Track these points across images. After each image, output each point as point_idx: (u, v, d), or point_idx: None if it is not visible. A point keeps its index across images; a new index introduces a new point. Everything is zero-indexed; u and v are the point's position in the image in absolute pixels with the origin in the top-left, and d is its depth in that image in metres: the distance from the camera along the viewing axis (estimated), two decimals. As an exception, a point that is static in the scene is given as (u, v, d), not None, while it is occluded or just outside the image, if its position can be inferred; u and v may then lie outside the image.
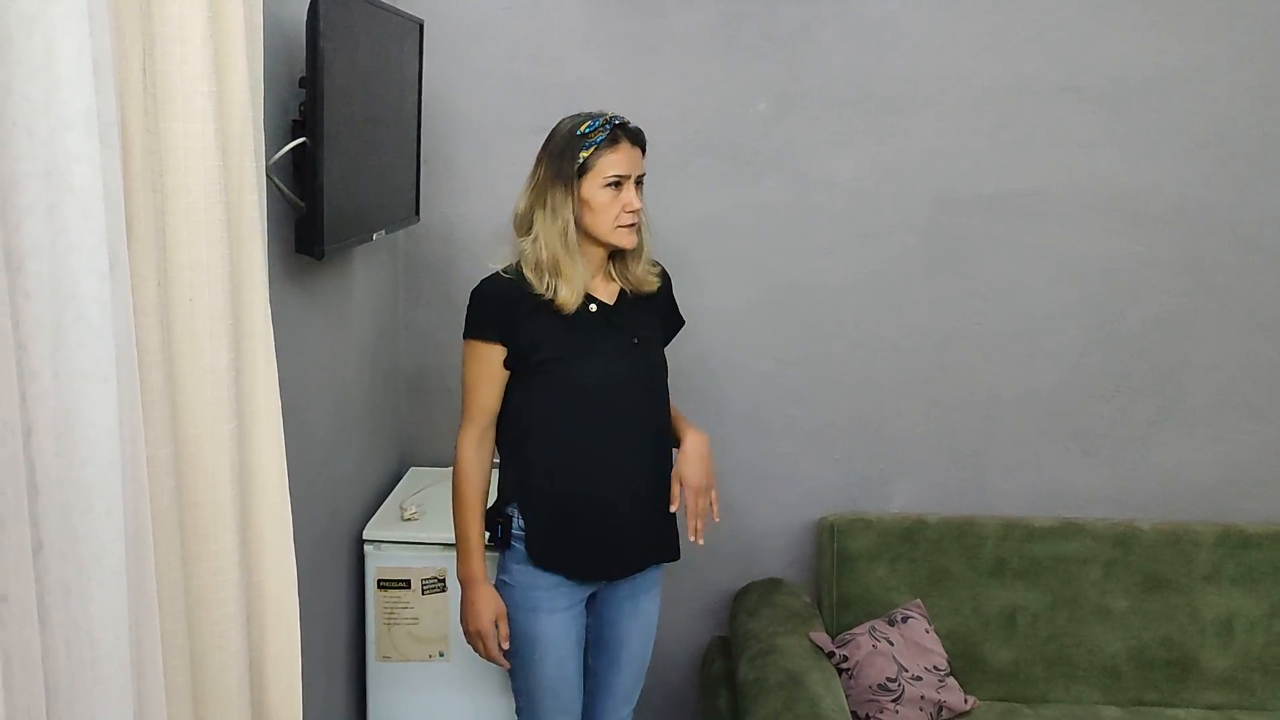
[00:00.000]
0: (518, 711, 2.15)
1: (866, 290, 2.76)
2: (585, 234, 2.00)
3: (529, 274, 1.98)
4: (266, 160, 1.75)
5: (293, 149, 1.77)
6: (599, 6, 2.67)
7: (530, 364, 1.99)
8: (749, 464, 2.85)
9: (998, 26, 2.65)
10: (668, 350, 2.26)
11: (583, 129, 1.97)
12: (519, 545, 2.05)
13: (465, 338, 2.02)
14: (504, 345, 1.99)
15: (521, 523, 2.04)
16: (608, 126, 1.97)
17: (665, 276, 2.20)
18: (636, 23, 2.67)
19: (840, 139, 2.70)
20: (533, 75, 2.69)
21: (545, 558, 2.03)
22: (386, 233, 2.14)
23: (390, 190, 2.16)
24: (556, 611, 2.05)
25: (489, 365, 2.00)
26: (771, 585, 2.73)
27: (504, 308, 1.97)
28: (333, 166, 1.73)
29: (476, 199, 2.74)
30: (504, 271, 2.01)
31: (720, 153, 2.72)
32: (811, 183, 2.72)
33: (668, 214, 2.69)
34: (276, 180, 1.78)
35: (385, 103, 2.07)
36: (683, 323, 2.29)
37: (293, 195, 1.80)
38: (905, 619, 2.57)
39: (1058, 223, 2.72)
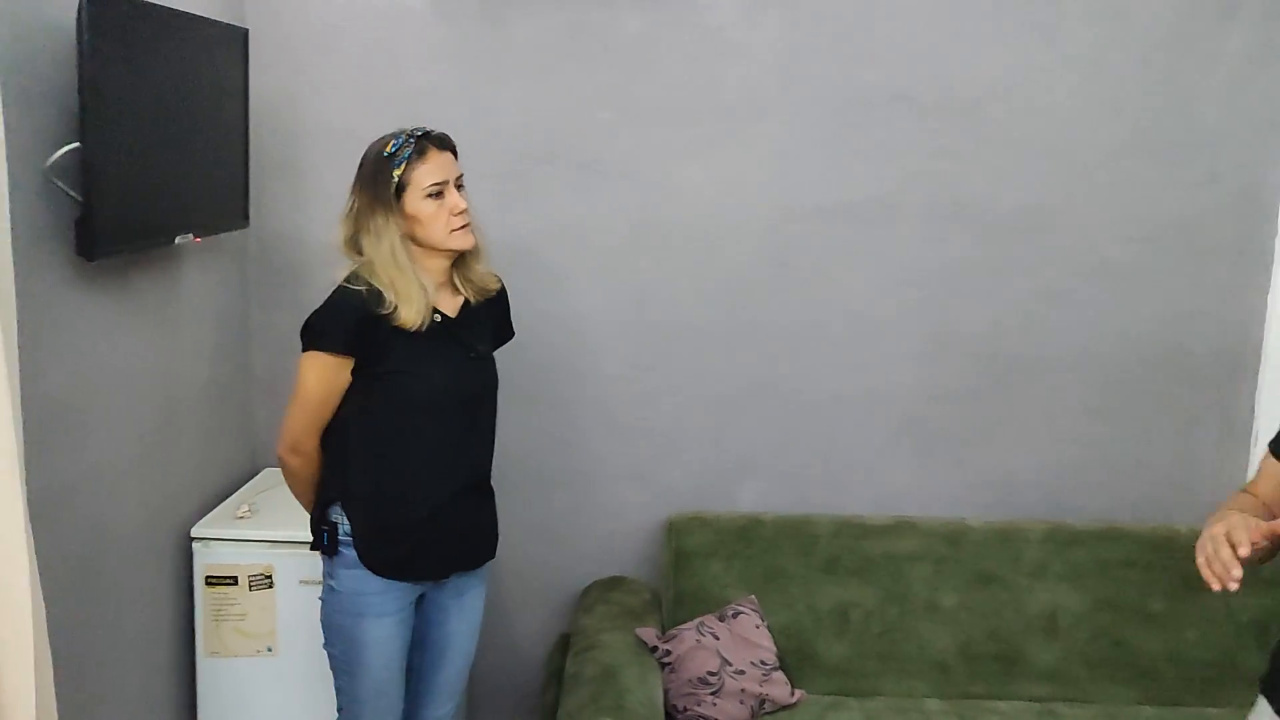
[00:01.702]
0: (338, 711, 2.18)
1: (710, 295, 2.82)
2: (422, 247, 2.05)
3: (380, 287, 2.00)
4: (44, 162, 1.81)
5: (75, 151, 1.82)
6: (441, 17, 2.73)
7: (373, 374, 2.02)
8: (601, 465, 2.90)
9: (834, 37, 2.72)
10: (512, 355, 2.33)
11: (388, 149, 2.02)
12: (346, 550, 2.07)
13: (311, 349, 2.02)
14: (353, 357, 2.01)
15: (349, 527, 2.07)
16: (412, 140, 2.03)
17: (502, 286, 2.25)
18: (479, 33, 2.74)
19: (682, 147, 2.76)
20: (378, 84, 2.75)
21: (376, 560, 2.06)
22: (198, 237, 2.19)
23: (202, 195, 2.21)
24: (385, 616, 2.08)
25: (335, 376, 2.02)
26: (613, 583, 2.79)
27: (354, 321, 1.99)
28: (108, 170, 1.78)
29: (328, 206, 2.74)
30: (350, 283, 2.02)
31: (565, 161, 2.78)
32: (654, 190, 2.78)
33: (514, 222, 2.77)
34: (60, 183, 1.83)
35: (193, 109, 2.12)
36: (512, 335, 2.34)
37: (77, 197, 1.85)
38: (736, 614, 2.62)
39: (896, 228, 2.79)
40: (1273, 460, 1.73)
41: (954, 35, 2.71)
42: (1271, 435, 1.76)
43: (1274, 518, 1.65)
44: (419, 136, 2.04)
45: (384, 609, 2.06)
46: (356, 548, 2.05)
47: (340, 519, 2.06)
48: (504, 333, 2.31)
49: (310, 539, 2.14)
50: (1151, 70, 2.72)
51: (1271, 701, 1.63)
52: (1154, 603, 2.62)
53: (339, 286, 2.03)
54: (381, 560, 2.05)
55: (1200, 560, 1.46)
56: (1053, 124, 2.74)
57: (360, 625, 2.06)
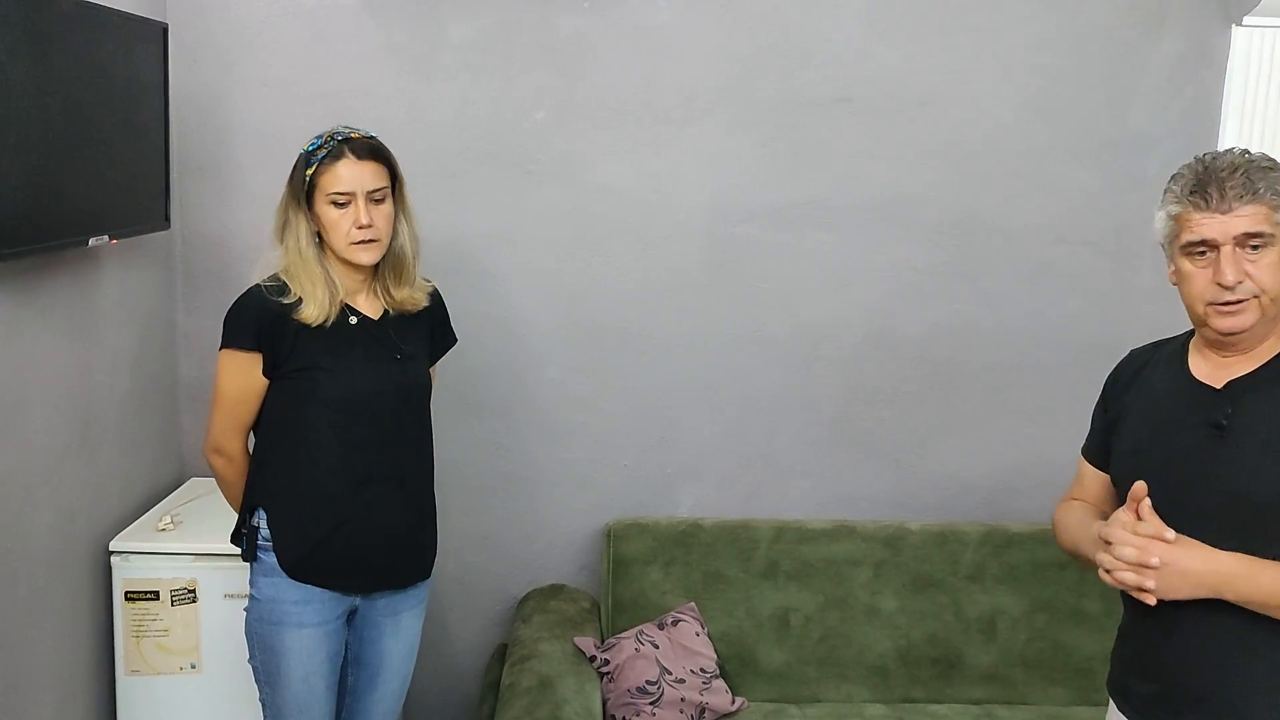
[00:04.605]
0: None
1: (649, 297, 2.79)
2: (334, 252, 2.02)
3: (290, 283, 2.00)
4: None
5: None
6: (373, 15, 2.67)
7: (286, 372, 2.00)
8: (539, 471, 2.85)
9: (771, 38, 2.70)
10: (448, 361, 2.29)
11: (308, 147, 2.00)
12: (265, 556, 2.03)
13: (223, 346, 2.02)
14: (261, 352, 1.99)
15: (268, 531, 2.03)
16: (331, 143, 1.99)
17: (437, 296, 2.20)
18: (413, 32, 2.68)
19: (619, 148, 2.73)
20: (309, 84, 2.68)
21: (291, 563, 2.01)
22: (115, 238, 2.11)
23: (119, 196, 2.14)
24: (305, 627, 2.03)
25: (247, 374, 2.01)
26: (551, 591, 2.75)
27: (262, 317, 1.98)
28: (11, 168, 1.70)
29: (257, 207, 2.69)
30: (265, 282, 2.02)
31: (500, 161, 2.73)
32: (591, 191, 2.74)
33: (449, 224, 2.71)
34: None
35: (106, 106, 2.05)
36: (454, 341, 2.29)
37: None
38: (676, 622, 2.59)
39: (834, 231, 2.78)
40: (1087, 465, 1.76)
41: (893, 38, 2.71)
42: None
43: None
44: (341, 140, 1.99)
45: (303, 619, 2.01)
46: (276, 551, 2.00)
47: (260, 523, 2.02)
48: (444, 339, 2.26)
49: (238, 554, 2.10)
50: (1086, 74, 2.74)
51: (1117, 700, 1.66)
52: (1089, 604, 2.63)
53: (253, 285, 2.03)
54: (296, 563, 2.01)
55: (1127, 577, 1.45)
56: (990, 127, 2.75)
57: (278, 635, 2.01)
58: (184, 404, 2.79)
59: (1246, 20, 2.70)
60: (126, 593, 2.32)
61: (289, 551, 2.01)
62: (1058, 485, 2.84)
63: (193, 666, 2.35)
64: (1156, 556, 1.41)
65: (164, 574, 2.32)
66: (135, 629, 2.33)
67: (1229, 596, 1.41)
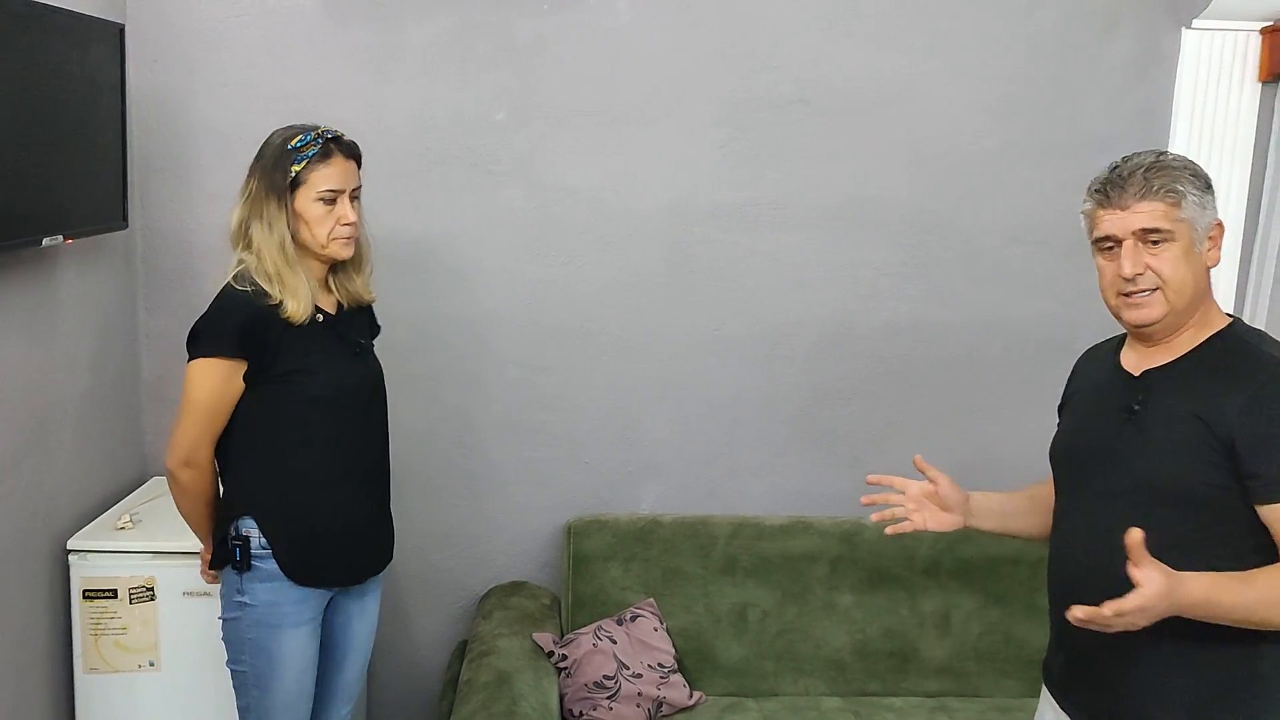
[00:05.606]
0: None
1: (609, 297, 2.82)
2: (302, 247, 2.02)
3: (264, 284, 1.97)
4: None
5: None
6: (333, 16, 2.69)
7: (269, 375, 1.98)
8: (501, 469, 2.88)
9: (729, 40, 2.73)
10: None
11: (294, 143, 1.99)
12: (261, 564, 2.01)
13: (199, 356, 1.96)
14: (245, 360, 1.95)
15: (263, 540, 2.00)
16: (319, 140, 2.00)
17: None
18: (373, 33, 2.70)
19: (578, 149, 2.75)
20: (269, 84, 2.69)
21: (299, 570, 2.01)
22: (70, 238, 2.12)
23: (74, 196, 2.14)
24: (301, 625, 2.04)
25: (227, 382, 1.96)
26: (512, 588, 2.77)
27: (245, 322, 1.94)
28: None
29: (218, 207, 2.68)
30: (238, 286, 1.97)
31: (460, 162, 2.75)
32: (551, 192, 2.77)
33: (409, 223, 2.73)
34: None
35: (60, 106, 2.06)
36: (379, 330, 2.30)
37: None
38: (635, 618, 2.62)
39: (793, 231, 2.81)
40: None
41: (850, 40, 2.74)
42: None
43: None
44: (329, 138, 2.01)
45: (300, 618, 2.03)
46: (277, 559, 2.00)
47: (253, 531, 2.00)
48: (374, 328, 2.29)
49: (196, 552, 2.14)
50: (1039, 77, 2.78)
51: (1049, 684, 1.72)
52: (1041, 598, 2.61)
53: (223, 289, 2.00)
54: (304, 568, 2.01)
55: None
56: (946, 129, 2.78)
57: (277, 637, 2.02)
58: (146, 404, 2.80)
59: (1196, 23, 2.75)
60: (84, 591, 2.33)
61: (288, 554, 2.00)
62: (1013, 481, 2.87)
63: (151, 664, 2.36)
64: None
65: (122, 572, 2.33)
66: (93, 627, 2.33)
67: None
